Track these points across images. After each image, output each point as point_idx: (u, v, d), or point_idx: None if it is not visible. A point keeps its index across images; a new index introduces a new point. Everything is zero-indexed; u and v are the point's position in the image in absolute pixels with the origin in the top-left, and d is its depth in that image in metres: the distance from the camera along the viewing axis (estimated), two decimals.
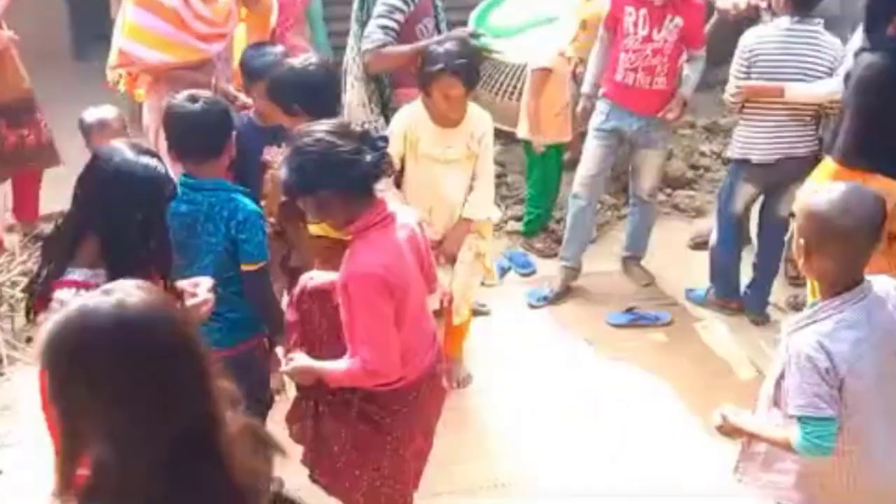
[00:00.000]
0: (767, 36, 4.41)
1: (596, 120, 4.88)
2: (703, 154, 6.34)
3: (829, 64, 4.34)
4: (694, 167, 6.28)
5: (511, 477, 3.69)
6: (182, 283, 2.72)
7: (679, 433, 3.98)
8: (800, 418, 2.45)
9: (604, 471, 3.73)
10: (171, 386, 1.35)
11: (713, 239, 4.91)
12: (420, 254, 2.78)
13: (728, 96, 4.56)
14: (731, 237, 4.81)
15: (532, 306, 4.94)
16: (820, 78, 4.33)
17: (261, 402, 3.27)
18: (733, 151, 4.68)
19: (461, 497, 3.56)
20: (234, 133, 3.07)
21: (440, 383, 2.99)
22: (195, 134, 2.99)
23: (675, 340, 4.71)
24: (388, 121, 4.08)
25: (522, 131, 5.27)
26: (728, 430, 2.70)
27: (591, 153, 4.89)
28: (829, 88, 4.24)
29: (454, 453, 3.74)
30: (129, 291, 1.37)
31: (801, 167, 4.44)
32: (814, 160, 4.42)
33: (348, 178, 2.52)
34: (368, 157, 2.51)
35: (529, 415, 4.08)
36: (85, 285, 2.39)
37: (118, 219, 2.39)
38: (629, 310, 4.87)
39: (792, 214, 4.88)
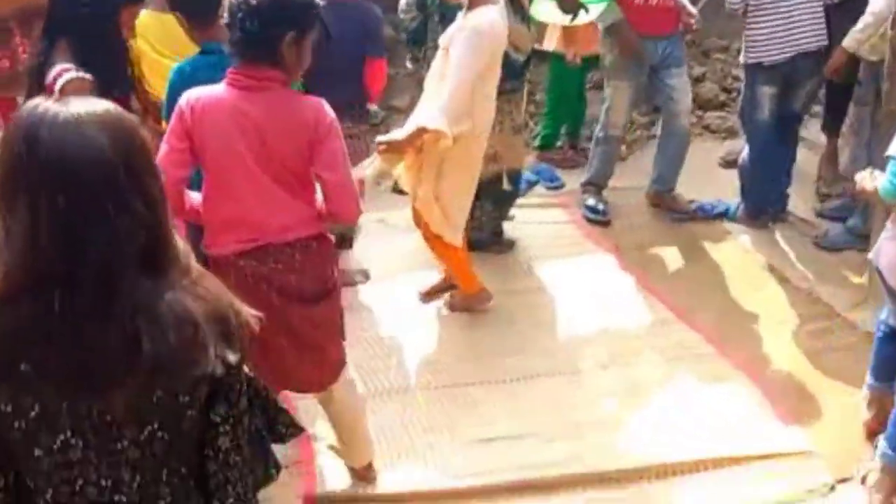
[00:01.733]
0: None
1: (618, 61, 4.71)
2: (735, 78, 6.26)
3: None
4: (726, 90, 6.22)
5: (544, 370, 3.72)
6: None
7: (704, 341, 3.95)
8: (889, 159, 2.80)
9: (626, 371, 3.77)
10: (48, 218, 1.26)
11: (743, 155, 4.86)
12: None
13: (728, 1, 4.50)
14: (764, 149, 4.70)
15: (589, 220, 4.90)
16: None
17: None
18: (746, 56, 4.59)
19: (494, 386, 3.62)
20: None
21: (273, 297, 2.62)
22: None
23: (701, 251, 4.69)
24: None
25: (551, 44, 5.17)
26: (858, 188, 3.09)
27: (622, 97, 4.78)
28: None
29: (490, 346, 3.84)
30: (67, 110, 1.28)
31: (815, 62, 4.45)
32: (826, 54, 4.42)
33: None
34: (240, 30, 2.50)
35: (560, 316, 4.11)
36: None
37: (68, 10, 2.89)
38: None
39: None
